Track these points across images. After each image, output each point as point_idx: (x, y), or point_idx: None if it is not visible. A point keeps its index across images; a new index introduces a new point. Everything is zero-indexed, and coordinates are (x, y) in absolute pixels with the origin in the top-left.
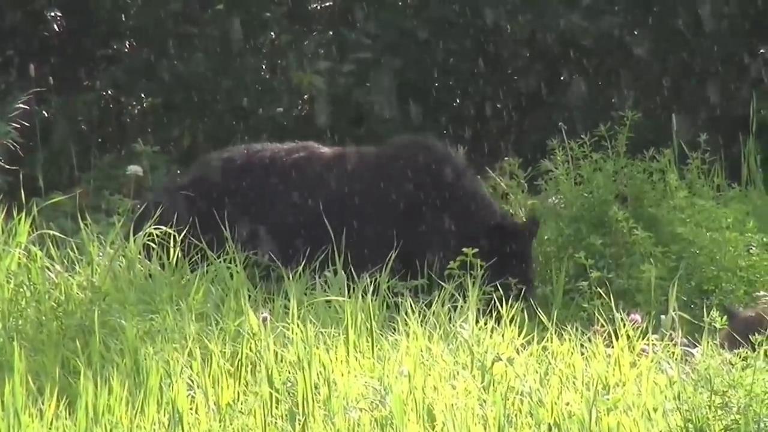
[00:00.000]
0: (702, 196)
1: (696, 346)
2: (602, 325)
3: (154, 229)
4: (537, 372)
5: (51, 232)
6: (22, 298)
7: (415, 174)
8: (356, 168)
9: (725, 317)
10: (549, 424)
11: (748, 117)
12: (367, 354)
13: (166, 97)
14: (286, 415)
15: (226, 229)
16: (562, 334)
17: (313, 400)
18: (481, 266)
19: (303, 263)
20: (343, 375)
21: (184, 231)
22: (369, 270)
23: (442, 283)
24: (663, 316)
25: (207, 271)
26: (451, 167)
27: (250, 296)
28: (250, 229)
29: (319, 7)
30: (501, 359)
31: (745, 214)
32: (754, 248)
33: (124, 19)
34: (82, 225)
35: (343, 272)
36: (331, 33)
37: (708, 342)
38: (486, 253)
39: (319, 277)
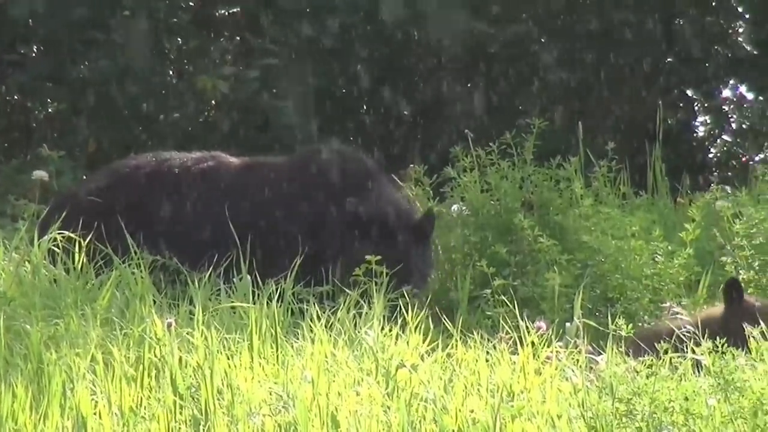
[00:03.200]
0: (608, 205)
1: (601, 353)
2: (507, 333)
3: (59, 234)
4: (441, 379)
5: None
6: None
7: (322, 180)
8: (264, 175)
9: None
10: (453, 430)
11: (655, 125)
12: (272, 360)
13: (72, 102)
14: (189, 421)
15: (133, 236)
16: (467, 341)
17: (216, 406)
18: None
19: (210, 269)
20: (246, 381)
21: (90, 236)
22: (275, 276)
23: (347, 290)
24: (568, 324)
25: (112, 277)
26: (360, 172)
27: (155, 302)
28: (157, 236)
29: (226, 14)
30: (405, 366)
31: (650, 222)
32: (659, 256)
33: (31, 23)
34: None
35: (249, 278)
36: (237, 39)
37: (613, 349)
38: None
39: (225, 283)
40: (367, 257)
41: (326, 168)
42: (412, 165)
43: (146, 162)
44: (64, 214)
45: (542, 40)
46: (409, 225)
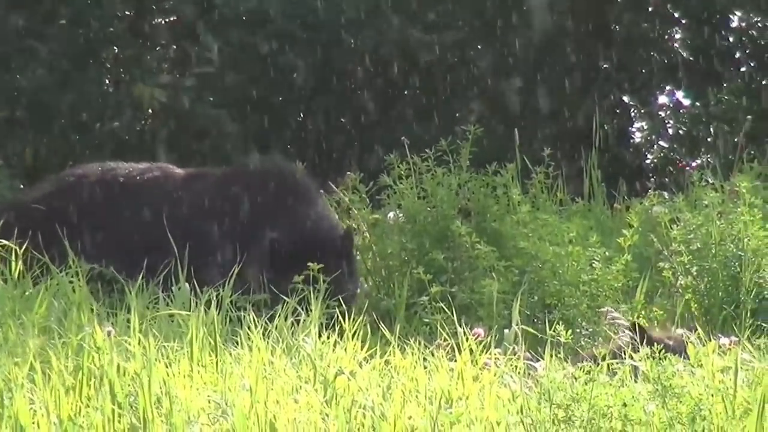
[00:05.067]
0: (545, 211)
1: (539, 359)
2: (445, 339)
3: None
4: (380, 386)
5: None
6: None
7: (254, 194)
8: (203, 187)
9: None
10: None
11: (592, 132)
12: (210, 368)
13: (8, 111)
14: (128, 430)
15: (73, 244)
16: (404, 348)
17: (154, 414)
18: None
19: (147, 277)
20: (185, 389)
21: (26, 244)
22: (212, 285)
23: (285, 298)
24: (506, 330)
25: (49, 285)
26: (289, 188)
27: (93, 310)
28: (98, 245)
29: (162, 22)
30: (343, 373)
31: (587, 228)
32: (596, 262)
33: None
34: None
35: (187, 286)
36: (174, 47)
37: (551, 355)
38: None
39: (164, 291)
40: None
41: (259, 182)
42: (349, 172)
43: (92, 171)
44: (8, 222)
45: (478, 46)
46: (332, 243)
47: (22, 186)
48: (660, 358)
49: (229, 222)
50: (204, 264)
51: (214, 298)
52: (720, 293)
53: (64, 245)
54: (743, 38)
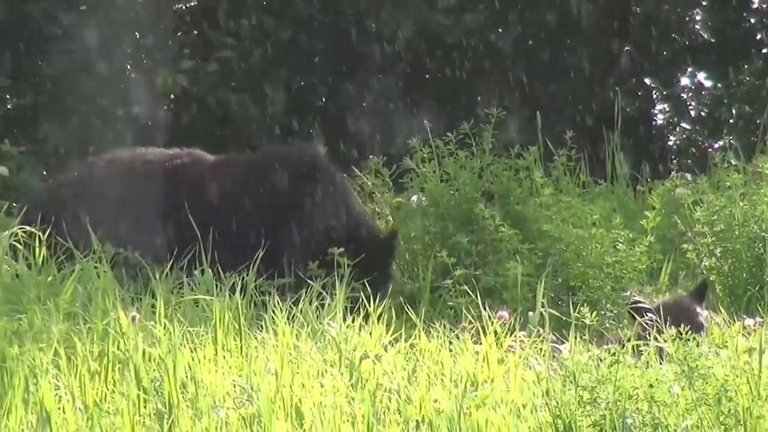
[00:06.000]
0: (568, 193)
1: (564, 342)
2: (470, 322)
3: (20, 228)
4: (405, 369)
5: None
6: None
7: (283, 180)
8: (230, 173)
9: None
10: (417, 421)
11: (614, 114)
12: (235, 352)
13: (31, 98)
14: (153, 415)
15: (101, 230)
16: (430, 332)
17: (180, 399)
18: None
19: (172, 263)
20: (210, 373)
21: (55, 231)
22: (236, 269)
23: (310, 282)
24: (530, 313)
25: (74, 271)
26: (319, 176)
27: (118, 295)
28: (124, 230)
29: (183, 7)
30: (369, 357)
31: (611, 210)
32: (620, 244)
33: None
34: None
35: (211, 271)
36: (195, 32)
37: (576, 338)
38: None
39: (188, 276)
40: (331, 250)
41: (284, 167)
42: (371, 156)
43: (120, 156)
44: (37, 208)
45: (499, 30)
46: (368, 235)
47: (45, 172)
48: (686, 340)
49: (259, 210)
50: (232, 250)
51: (239, 282)
52: (744, 274)
53: (93, 231)
54: (765, 19)
